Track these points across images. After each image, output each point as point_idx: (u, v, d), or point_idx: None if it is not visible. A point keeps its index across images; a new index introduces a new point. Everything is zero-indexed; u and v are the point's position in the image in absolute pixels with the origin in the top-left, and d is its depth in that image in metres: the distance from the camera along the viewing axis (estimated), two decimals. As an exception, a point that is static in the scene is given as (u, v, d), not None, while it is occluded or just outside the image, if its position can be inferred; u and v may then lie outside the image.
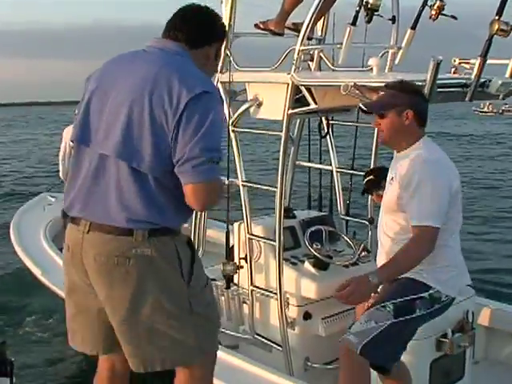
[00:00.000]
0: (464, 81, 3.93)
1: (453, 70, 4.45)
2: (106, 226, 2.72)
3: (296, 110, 4.52)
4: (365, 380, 3.57)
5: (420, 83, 3.72)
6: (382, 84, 3.82)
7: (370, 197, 5.28)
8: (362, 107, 3.73)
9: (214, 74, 3.41)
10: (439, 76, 3.71)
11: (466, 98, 3.93)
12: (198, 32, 2.87)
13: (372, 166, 5.27)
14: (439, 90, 3.78)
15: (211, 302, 3.01)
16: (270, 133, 4.70)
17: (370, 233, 5.39)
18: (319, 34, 5.39)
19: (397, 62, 4.87)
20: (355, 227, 5.72)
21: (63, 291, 3.10)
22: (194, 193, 2.67)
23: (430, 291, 3.55)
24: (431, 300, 3.55)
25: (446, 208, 3.46)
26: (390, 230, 3.69)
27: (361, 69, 4.90)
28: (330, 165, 5.61)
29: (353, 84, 3.88)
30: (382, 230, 3.78)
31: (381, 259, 3.75)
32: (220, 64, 4.86)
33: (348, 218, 5.61)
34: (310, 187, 5.91)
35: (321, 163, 5.85)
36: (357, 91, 3.87)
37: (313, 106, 4.41)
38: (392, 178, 3.65)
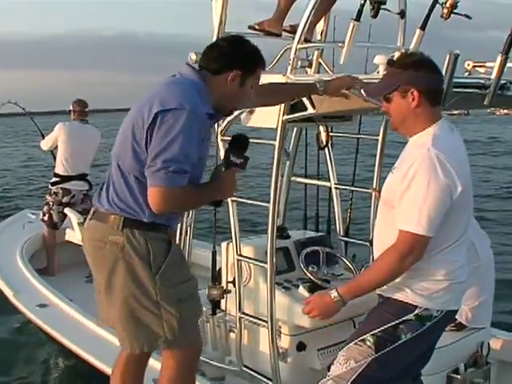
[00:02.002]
0: (483, 81, 3.39)
1: (466, 74, 3.97)
2: (97, 212, 3.12)
3: (292, 116, 3.99)
4: None
5: None
6: None
7: (371, 216, 4.75)
8: (364, 94, 3.24)
9: (237, 100, 3.18)
10: (455, 76, 3.19)
11: (485, 102, 3.39)
12: (216, 59, 3.05)
13: (375, 181, 4.73)
14: (455, 90, 3.25)
15: (186, 300, 3.11)
16: (262, 141, 4.17)
17: (371, 255, 4.83)
18: (318, 37, 4.89)
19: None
20: (355, 249, 5.16)
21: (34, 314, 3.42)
22: (150, 195, 2.90)
23: (416, 311, 2.93)
24: (419, 320, 2.94)
25: (441, 214, 2.83)
26: (385, 227, 3.06)
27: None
28: (329, 180, 5.08)
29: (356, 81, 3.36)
30: (377, 225, 3.20)
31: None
32: None
33: (347, 239, 5.07)
34: (306, 205, 5.38)
35: (318, 179, 5.31)
36: (359, 89, 3.34)
37: (310, 110, 3.88)
38: (395, 167, 3.05)
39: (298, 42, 3.91)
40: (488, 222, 12.52)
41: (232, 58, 3.04)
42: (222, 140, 4.31)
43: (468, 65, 4.04)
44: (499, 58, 3.34)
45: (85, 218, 6.71)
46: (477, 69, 4.01)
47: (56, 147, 7.33)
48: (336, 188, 5.05)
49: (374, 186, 4.74)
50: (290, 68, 3.91)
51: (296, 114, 4.00)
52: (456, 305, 3.08)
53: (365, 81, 3.37)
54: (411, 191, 2.82)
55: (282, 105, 3.92)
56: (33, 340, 6.00)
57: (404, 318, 2.94)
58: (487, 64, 3.95)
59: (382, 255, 2.92)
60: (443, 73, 3.15)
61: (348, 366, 2.99)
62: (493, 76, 3.38)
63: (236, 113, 4.26)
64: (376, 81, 3.30)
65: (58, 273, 7.10)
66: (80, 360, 4.74)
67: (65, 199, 7.26)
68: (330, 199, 5.13)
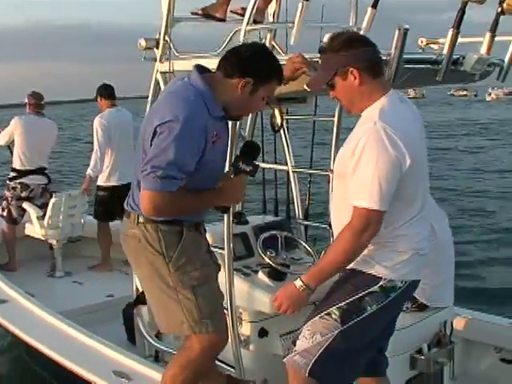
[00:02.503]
0: (435, 57, 3.27)
1: (419, 51, 3.84)
2: (125, 211, 3.23)
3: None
4: None
5: (385, 57, 3.03)
6: None
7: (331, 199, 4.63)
8: (307, 88, 3.09)
9: (244, 108, 3.15)
10: (406, 53, 3.05)
11: (438, 78, 3.28)
12: (233, 63, 3.00)
13: (332, 163, 4.59)
14: (406, 66, 3.12)
15: (201, 286, 3.14)
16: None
17: (331, 238, 4.70)
18: (270, 19, 4.71)
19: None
20: (315, 232, 5.02)
21: None
22: (141, 197, 2.99)
23: (381, 283, 2.84)
24: (384, 291, 2.85)
25: (393, 188, 2.72)
26: (340, 201, 2.95)
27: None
28: (286, 164, 4.92)
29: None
30: (332, 200, 3.10)
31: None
32: (159, 53, 4.28)
33: (306, 222, 4.93)
34: (264, 190, 5.21)
35: (276, 163, 5.14)
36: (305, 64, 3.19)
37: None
38: (346, 141, 2.94)
39: (247, 24, 3.73)
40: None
41: (248, 65, 2.98)
42: None
43: (421, 42, 3.91)
44: (450, 33, 3.22)
45: (44, 212, 6.58)
46: (430, 45, 3.89)
47: (13, 142, 7.06)
48: (293, 171, 4.90)
49: (332, 167, 4.60)
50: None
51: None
52: (418, 275, 3.00)
53: (314, 59, 3.20)
54: (361, 166, 2.72)
55: None
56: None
57: (369, 290, 2.85)
58: (440, 40, 3.82)
59: (338, 235, 2.83)
60: (392, 49, 3.02)
61: (314, 340, 2.90)
62: (445, 51, 3.26)
63: None
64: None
65: (18, 268, 6.89)
66: (42, 356, 4.55)
67: (23, 194, 7.03)
68: (288, 183, 4.98)
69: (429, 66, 3.27)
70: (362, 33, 4.14)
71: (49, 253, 6.96)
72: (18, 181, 7.00)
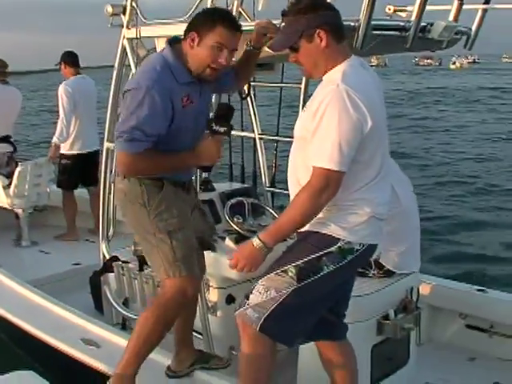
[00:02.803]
0: (403, 23, 3.22)
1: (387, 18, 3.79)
2: None
3: (211, 66, 3.74)
4: (266, 363, 2.96)
5: (353, 23, 2.99)
6: None
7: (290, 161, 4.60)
8: (269, 50, 3.04)
9: (201, 62, 3.05)
10: (374, 19, 3.00)
11: (406, 45, 3.24)
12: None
13: None
14: (374, 32, 3.08)
15: (176, 232, 3.25)
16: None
17: (288, 200, 4.68)
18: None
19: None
20: (282, 201, 4.98)
21: None
22: (116, 158, 3.24)
23: (339, 244, 2.80)
24: (341, 253, 2.81)
25: (353, 149, 2.68)
26: (297, 169, 2.89)
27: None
28: (253, 131, 4.87)
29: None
30: (289, 168, 3.00)
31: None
32: (126, 19, 4.18)
33: (273, 189, 4.90)
34: (230, 157, 5.14)
35: (242, 130, 5.07)
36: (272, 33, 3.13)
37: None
38: (307, 105, 2.87)
39: (214, -12, 3.65)
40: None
41: (191, 23, 3.09)
42: None
43: (389, 9, 3.83)
44: (418, 0, 3.17)
45: (10, 181, 6.43)
46: (398, 13, 3.83)
47: None
48: (260, 138, 4.85)
49: (298, 134, 4.56)
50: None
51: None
52: (376, 239, 2.95)
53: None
54: (322, 127, 2.66)
55: None
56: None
57: (327, 250, 2.80)
58: (408, 8, 3.76)
59: (297, 194, 2.76)
60: (361, 15, 2.96)
61: (268, 296, 2.85)
62: (413, 18, 3.22)
63: None
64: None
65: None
66: (10, 325, 4.49)
67: None
68: (254, 150, 4.93)
69: (397, 32, 3.22)
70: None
71: (15, 222, 6.82)
72: None
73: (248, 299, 2.93)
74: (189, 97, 3.07)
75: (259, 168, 4.93)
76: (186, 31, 3.06)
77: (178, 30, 3.84)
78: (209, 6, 3.69)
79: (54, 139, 6.51)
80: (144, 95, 2.93)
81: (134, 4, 4.14)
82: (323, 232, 2.82)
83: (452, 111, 26.81)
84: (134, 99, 2.96)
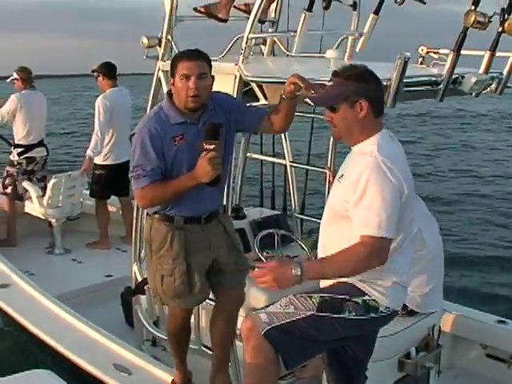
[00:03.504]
0: (434, 78, 3.31)
1: (420, 60, 3.91)
2: None
3: (245, 105, 3.87)
4: (268, 374, 3.02)
5: (385, 83, 3.08)
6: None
7: (326, 194, 4.69)
8: (309, 102, 3.19)
9: (180, 97, 3.36)
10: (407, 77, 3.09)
11: (437, 98, 3.33)
12: None
13: (329, 161, 4.66)
14: (406, 89, 3.16)
15: (166, 277, 3.56)
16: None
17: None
18: (272, 15, 4.71)
19: (358, 49, 4.23)
20: (311, 226, 5.10)
21: None
22: None
23: (365, 297, 2.95)
24: (366, 307, 2.95)
25: (397, 216, 2.81)
26: (332, 244, 2.99)
27: (318, 55, 4.29)
28: (284, 158, 4.98)
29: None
30: (322, 242, 3.11)
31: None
32: (161, 52, 4.30)
33: (303, 216, 5.01)
34: (262, 182, 5.29)
35: (274, 156, 5.19)
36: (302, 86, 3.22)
37: (263, 101, 3.80)
38: (341, 176, 2.99)
39: (250, 32, 3.75)
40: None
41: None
42: None
43: (422, 50, 3.95)
44: (451, 55, 3.25)
45: (44, 191, 6.62)
46: (430, 54, 3.92)
47: (13, 118, 7.00)
48: (291, 166, 4.96)
49: (328, 165, 4.68)
50: (242, 57, 3.77)
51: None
52: (399, 306, 3.10)
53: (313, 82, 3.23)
54: (366, 198, 2.78)
55: (235, 93, 3.79)
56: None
57: (354, 299, 2.94)
58: (441, 51, 3.86)
59: (351, 250, 2.84)
60: (394, 75, 3.06)
61: (286, 309, 2.98)
62: (444, 72, 3.30)
63: None
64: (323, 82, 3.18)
65: (18, 243, 6.99)
66: (44, 344, 4.62)
67: (29, 167, 7.06)
68: (285, 177, 5.04)
69: (428, 87, 3.31)
70: (362, 39, 4.20)
71: (48, 229, 7.03)
72: (24, 156, 7.00)
73: (267, 307, 3.09)
74: (183, 136, 3.38)
75: (289, 194, 5.04)
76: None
77: (214, 67, 4.01)
78: (243, 46, 3.78)
79: (88, 152, 6.63)
80: (137, 138, 3.37)
81: (169, 37, 4.24)
82: (355, 284, 2.95)
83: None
84: (133, 143, 3.41)
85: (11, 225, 7.01)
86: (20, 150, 7.02)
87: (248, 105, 3.72)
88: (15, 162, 7.02)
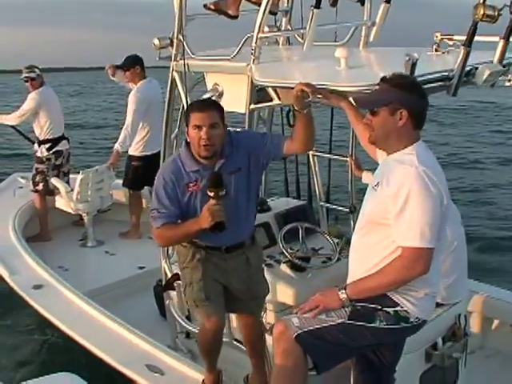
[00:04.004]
0: (446, 73, 3.31)
1: (434, 46, 3.91)
2: None
3: (258, 106, 3.96)
4: (297, 377, 3.17)
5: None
6: (349, 88, 3.23)
7: (350, 183, 4.76)
8: (353, 102, 3.32)
9: (195, 146, 3.56)
10: (418, 73, 3.12)
11: (449, 94, 3.34)
12: None
13: (350, 149, 4.70)
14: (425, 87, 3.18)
15: (188, 285, 3.83)
16: (232, 129, 4.11)
17: (352, 222, 4.86)
18: (285, 5, 4.72)
19: (371, 39, 4.24)
20: (336, 214, 5.18)
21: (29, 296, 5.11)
22: None
23: (397, 308, 3.05)
24: (397, 317, 3.06)
25: (438, 225, 2.91)
26: (369, 251, 3.09)
27: (335, 43, 4.33)
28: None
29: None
30: (355, 248, 3.21)
31: (350, 278, 3.22)
32: (174, 52, 4.37)
33: (328, 205, 5.08)
34: (286, 172, 5.35)
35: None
36: (320, 97, 3.29)
37: (276, 101, 3.86)
38: (377, 184, 3.05)
39: (259, 31, 3.79)
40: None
41: None
42: None
43: (436, 37, 3.93)
44: (462, 51, 3.25)
45: (71, 188, 6.78)
46: (444, 40, 3.91)
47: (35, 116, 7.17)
48: (314, 155, 5.02)
49: (350, 153, 4.73)
50: (252, 58, 3.81)
51: (262, 105, 3.98)
52: (429, 316, 3.19)
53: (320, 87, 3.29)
54: (408, 210, 2.86)
55: (248, 93, 3.86)
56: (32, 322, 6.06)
57: (385, 309, 3.04)
58: (455, 37, 3.85)
59: (391, 266, 2.95)
60: (455, 66, 3.21)
61: (318, 316, 3.11)
62: (456, 66, 3.30)
63: (205, 96, 4.23)
64: (338, 88, 3.31)
65: (51, 236, 7.20)
66: (75, 343, 4.78)
67: (58, 161, 7.23)
68: (308, 166, 5.10)
69: (440, 83, 3.32)
70: (375, 28, 4.21)
71: (80, 222, 7.25)
72: (52, 150, 7.17)
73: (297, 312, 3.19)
74: (196, 182, 3.60)
75: (313, 184, 5.11)
76: None
77: (225, 67, 4.07)
78: (253, 45, 3.81)
79: (117, 146, 6.73)
80: (156, 184, 3.65)
81: (180, 37, 4.29)
82: (388, 294, 3.05)
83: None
84: (154, 186, 3.68)
85: (43, 220, 7.21)
86: (48, 145, 7.18)
87: (264, 133, 3.97)
88: (44, 159, 7.18)
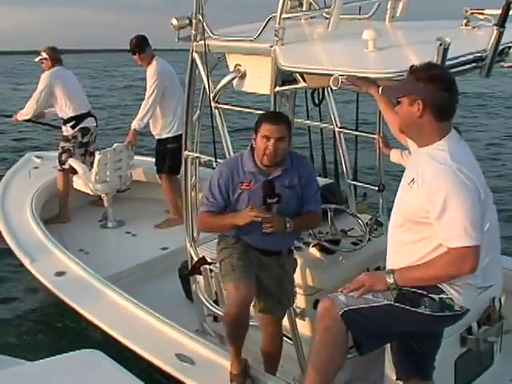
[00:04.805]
0: (479, 54, 3.37)
1: (464, 21, 3.94)
2: None
3: (283, 88, 4.02)
4: (337, 345, 3.32)
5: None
6: (378, 75, 3.31)
7: (378, 161, 4.83)
8: (381, 92, 3.50)
9: (262, 154, 3.89)
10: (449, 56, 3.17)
11: (482, 75, 3.40)
12: None
13: (378, 126, 4.76)
14: (452, 71, 3.25)
15: (223, 260, 4.13)
16: (257, 112, 4.19)
17: (381, 201, 4.95)
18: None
19: (398, 13, 4.27)
20: (364, 191, 5.25)
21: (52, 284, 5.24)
22: None
23: (442, 295, 3.19)
24: (441, 304, 3.20)
25: (480, 220, 3.03)
26: (408, 249, 3.24)
27: (359, 16, 4.37)
28: (332, 124, 5.11)
29: (345, 77, 3.38)
30: (395, 243, 3.34)
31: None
32: (193, 32, 4.42)
33: (356, 182, 5.18)
34: (311, 149, 5.41)
35: (321, 121, 5.32)
36: (349, 84, 3.37)
37: (302, 84, 3.92)
38: (412, 180, 3.13)
39: (282, 11, 3.83)
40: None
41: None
42: (215, 107, 4.37)
43: (466, 11, 3.96)
44: (495, 32, 3.29)
45: (91, 166, 6.87)
46: (475, 15, 3.94)
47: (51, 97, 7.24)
48: (340, 132, 5.09)
49: (378, 130, 4.78)
50: (276, 39, 3.86)
51: (287, 87, 4.03)
52: (471, 306, 3.32)
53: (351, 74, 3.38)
54: (449, 210, 2.97)
55: (272, 76, 3.93)
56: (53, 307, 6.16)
57: (431, 295, 3.18)
58: (486, 11, 3.87)
59: (446, 256, 3.06)
60: (488, 46, 3.27)
61: (365, 296, 3.25)
62: (488, 47, 3.35)
63: (228, 77, 4.30)
64: (369, 75, 3.43)
65: (71, 217, 7.33)
66: (96, 327, 4.92)
67: (85, 139, 7.35)
68: (334, 143, 5.18)
69: (473, 64, 3.37)
70: (401, 2, 4.24)
71: (99, 201, 7.36)
72: (77, 127, 7.26)
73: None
74: (249, 183, 3.96)
75: (340, 162, 5.19)
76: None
77: (247, 48, 4.12)
78: (276, 26, 3.86)
79: (134, 123, 6.78)
80: (214, 173, 4.08)
81: (199, 17, 4.32)
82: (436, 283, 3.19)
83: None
84: (213, 174, 4.09)
85: (63, 201, 7.32)
86: (72, 122, 7.27)
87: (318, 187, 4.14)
88: (70, 137, 7.29)
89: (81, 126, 7.29)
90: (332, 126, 5.14)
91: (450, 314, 3.23)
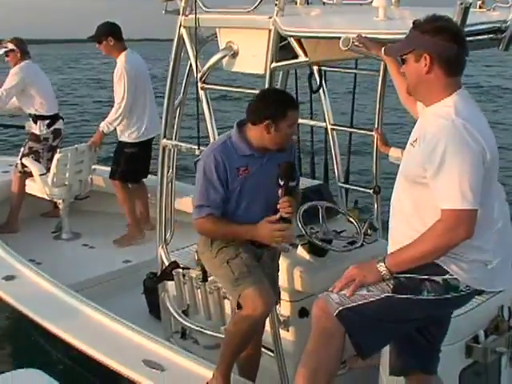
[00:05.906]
0: (498, 25, 3.43)
1: (479, 3, 4.00)
2: None
3: (281, 64, 4.03)
4: (332, 349, 3.25)
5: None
6: (389, 36, 3.35)
7: (374, 161, 4.84)
8: (384, 53, 3.42)
9: (278, 143, 3.85)
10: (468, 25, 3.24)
11: (500, 48, 3.47)
12: (251, 113, 3.87)
13: (376, 122, 4.79)
14: (468, 39, 3.29)
15: (231, 259, 3.97)
16: (248, 91, 4.19)
17: (376, 205, 4.96)
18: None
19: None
20: (357, 196, 5.26)
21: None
22: None
23: (446, 276, 3.14)
24: (445, 286, 3.15)
25: (480, 183, 2.98)
26: (407, 212, 3.21)
27: (361, 1, 4.43)
28: (324, 121, 5.13)
29: (356, 37, 3.39)
30: (396, 210, 3.32)
31: (391, 245, 3.33)
32: (183, 5, 4.41)
33: (348, 185, 5.18)
34: (299, 148, 5.40)
35: (311, 118, 5.34)
36: (360, 46, 3.40)
37: (303, 58, 3.92)
38: (415, 140, 3.14)
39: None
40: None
41: (261, 111, 3.82)
42: (202, 88, 4.36)
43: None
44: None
45: (48, 169, 6.75)
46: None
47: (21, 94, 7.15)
48: (333, 129, 5.11)
49: (376, 126, 4.81)
50: (276, 9, 3.89)
51: (285, 62, 4.04)
52: (481, 285, 3.28)
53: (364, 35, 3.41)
54: (446, 169, 2.94)
55: (270, 49, 3.94)
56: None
57: (433, 278, 3.13)
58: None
59: (431, 231, 3.04)
60: (509, 17, 3.30)
61: (359, 291, 3.20)
62: (509, 18, 3.42)
63: (218, 55, 4.30)
64: (382, 36, 3.44)
65: (20, 228, 7.18)
66: (62, 343, 4.81)
67: (55, 142, 7.22)
68: (325, 142, 5.19)
69: (491, 35, 3.44)
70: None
71: (50, 212, 7.23)
72: (51, 129, 7.15)
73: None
74: (247, 168, 3.89)
75: (331, 161, 5.20)
76: (260, 118, 3.79)
77: (244, 21, 4.14)
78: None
79: (103, 125, 6.62)
80: (202, 165, 3.87)
81: (189, -13, 4.31)
82: (435, 261, 3.12)
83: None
84: (197, 171, 3.94)
85: (16, 208, 7.16)
86: (47, 121, 7.14)
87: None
88: (41, 138, 7.14)
89: (54, 127, 7.19)
90: (324, 124, 5.16)
91: (456, 295, 3.17)
